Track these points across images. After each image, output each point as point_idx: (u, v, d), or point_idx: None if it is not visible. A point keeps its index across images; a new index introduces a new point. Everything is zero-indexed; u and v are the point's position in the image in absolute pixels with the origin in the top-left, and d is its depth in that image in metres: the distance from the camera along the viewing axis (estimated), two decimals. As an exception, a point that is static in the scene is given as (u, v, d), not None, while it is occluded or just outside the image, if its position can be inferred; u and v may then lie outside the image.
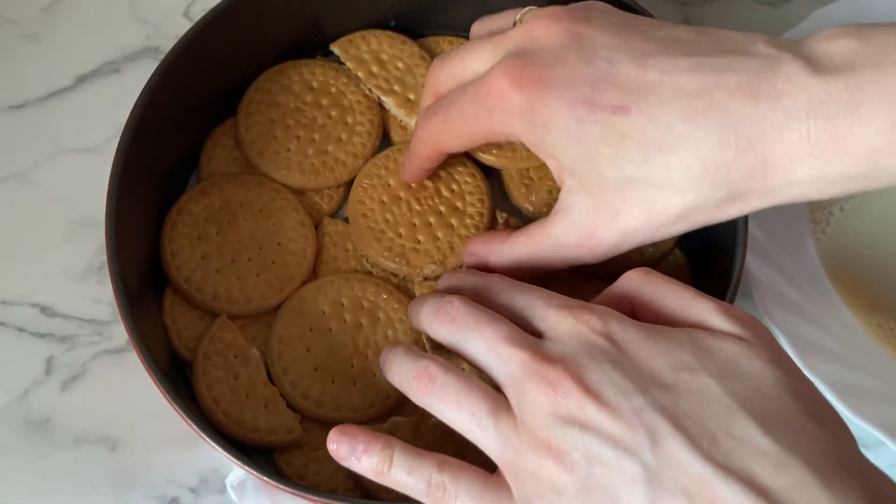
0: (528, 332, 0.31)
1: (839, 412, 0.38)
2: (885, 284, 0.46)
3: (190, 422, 0.35)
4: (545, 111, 0.33)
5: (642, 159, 0.32)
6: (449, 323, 0.32)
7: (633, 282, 0.33)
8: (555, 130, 0.33)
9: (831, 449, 0.26)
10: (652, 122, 0.32)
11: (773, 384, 0.28)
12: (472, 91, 0.36)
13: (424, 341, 0.39)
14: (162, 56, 0.41)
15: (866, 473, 0.26)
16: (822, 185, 0.31)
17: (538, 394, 0.28)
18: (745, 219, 0.39)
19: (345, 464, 0.33)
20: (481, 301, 0.33)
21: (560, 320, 0.30)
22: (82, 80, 0.51)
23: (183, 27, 0.42)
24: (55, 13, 0.52)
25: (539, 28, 0.34)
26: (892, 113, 0.29)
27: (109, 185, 0.39)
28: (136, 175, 0.40)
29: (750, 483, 0.25)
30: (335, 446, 0.33)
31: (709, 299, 0.31)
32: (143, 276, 0.41)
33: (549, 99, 0.33)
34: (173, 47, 0.41)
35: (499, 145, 0.44)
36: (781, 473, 0.25)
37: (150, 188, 0.42)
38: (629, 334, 0.29)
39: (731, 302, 0.37)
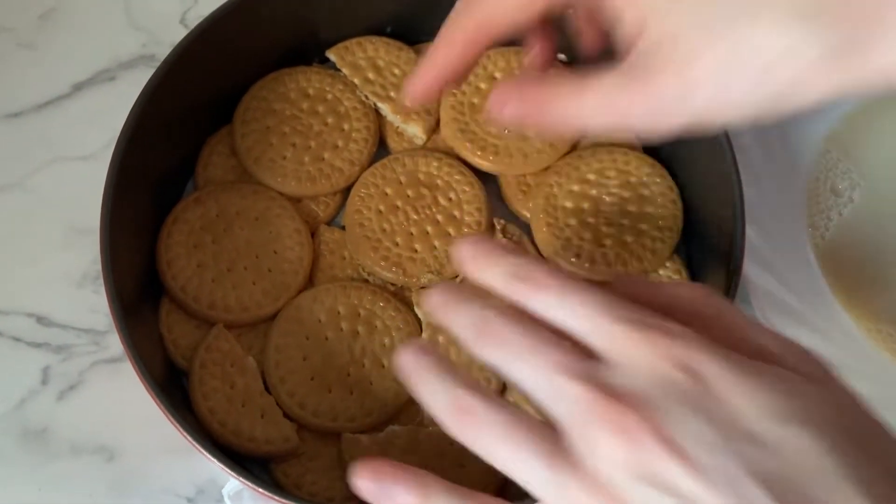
0: (580, 347, 0.26)
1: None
2: (884, 290, 0.46)
3: (184, 433, 0.35)
4: None
5: None
6: (492, 345, 0.26)
7: (698, 292, 0.27)
8: None
9: None
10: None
11: (866, 431, 0.25)
12: None
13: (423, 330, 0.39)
14: (158, 64, 0.41)
15: None
16: None
17: (610, 444, 0.23)
18: (743, 225, 0.38)
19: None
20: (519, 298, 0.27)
21: (629, 344, 0.24)
22: (79, 87, 0.50)
23: (179, 35, 0.42)
24: (51, 21, 0.52)
25: None
26: None
27: (104, 193, 0.38)
28: (132, 183, 0.40)
29: None
30: (361, 483, 0.27)
31: (772, 331, 0.27)
32: (139, 286, 0.41)
33: None
34: (169, 54, 0.41)
35: (496, 151, 0.44)
36: None
37: (145, 196, 0.42)
38: (716, 369, 0.24)
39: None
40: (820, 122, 0.48)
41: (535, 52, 0.36)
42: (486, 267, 0.28)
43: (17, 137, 0.49)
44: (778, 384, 0.24)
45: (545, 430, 0.25)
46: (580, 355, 0.25)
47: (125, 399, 0.43)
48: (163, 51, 0.51)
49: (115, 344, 0.45)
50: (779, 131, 0.47)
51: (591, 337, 0.25)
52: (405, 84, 0.35)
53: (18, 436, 0.43)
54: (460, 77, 0.33)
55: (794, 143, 0.47)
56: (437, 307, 0.28)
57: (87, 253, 0.46)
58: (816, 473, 0.23)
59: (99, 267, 0.44)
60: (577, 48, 0.35)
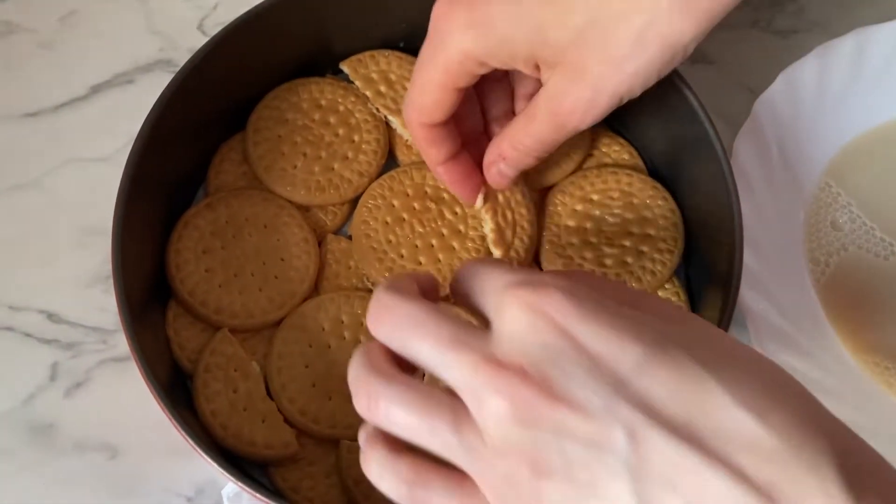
0: (482, 318, 0.28)
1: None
2: (883, 323, 0.46)
3: (185, 435, 0.35)
4: (483, 6, 0.34)
5: (583, 5, 0.33)
6: (386, 326, 0.28)
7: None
8: (499, 21, 0.34)
9: (804, 415, 0.26)
10: None
11: (735, 352, 0.27)
12: (425, 42, 0.36)
13: None
14: (175, 69, 0.42)
15: (835, 434, 0.26)
16: None
17: (499, 404, 0.26)
18: (741, 252, 0.39)
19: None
20: (432, 287, 0.31)
21: (510, 310, 0.27)
22: (96, 90, 0.51)
23: (197, 40, 0.43)
24: (71, 23, 0.53)
25: None
26: None
27: (118, 196, 0.39)
28: (145, 186, 0.40)
29: (730, 465, 0.24)
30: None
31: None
32: (148, 288, 0.41)
33: (480, 2, 0.34)
34: (187, 62, 0.42)
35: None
36: (759, 453, 0.25)
37: (157, 200, 0.43)
38: (584, 316, 0.26)
39: (727, 330, 0.38)
40: (820, 154, 0.49)
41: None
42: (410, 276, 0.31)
43: (34, 137, 0.50)
44: (641, 316, 0.27)
45: (451, 402, 0.27)
46: (465, 325, 0.27)
47: (130, 398, 0.43)
48: (180, 56, 0.52)
49: (122, 343, 0.45)
50: (780, 161, 0.48)
51: (487, 306, 0.28)
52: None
53: (25, 431, 0.44)
54: (454, 150, 0.39)
55: (795, 173, 0.48)
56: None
57: (98, 253, 0.47)
58: (692, 390, 0.25)
59: (109, 267, 0.45)
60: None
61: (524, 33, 0.34)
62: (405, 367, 0.28)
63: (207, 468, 0.42)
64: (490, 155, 0.39)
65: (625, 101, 0.35)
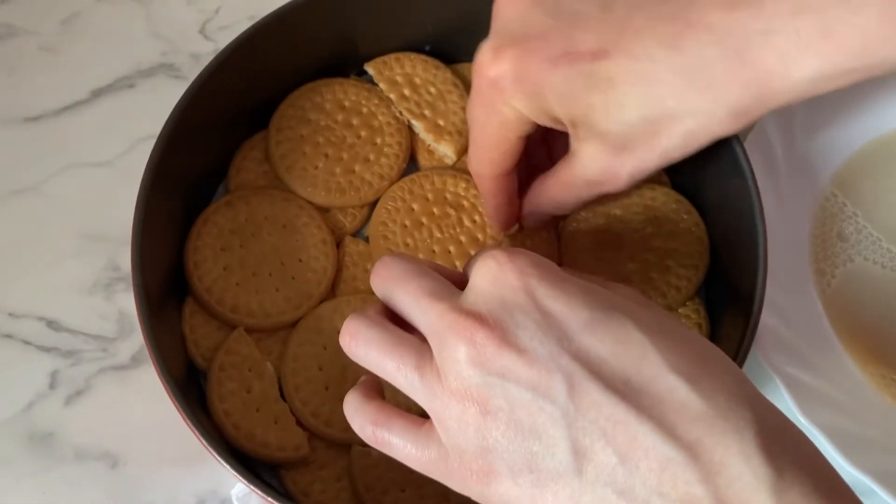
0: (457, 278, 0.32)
1: (836, 462, 0.39)
2: (890, 336, 0.45)
3: (197, 433, 0.35)
4: (533, 76, 0.34)
5: (634, 100, 0.34)
6: (380, 277, 0.32)
7: None
8: (548, 92, 0.35)
9: (732, 386, 0.28)
10: (633, 57, 0.33)
11: (679, 332, 0.29)
12: (472, 96, 0.38)
13: None
14: (177, 73, 0.42)
15: (760, 408, 0.28)
16: (822, 84, 0.32)
17: (456, 345, 0.29)
18: (765, 269, 0.39)
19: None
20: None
21: (482, 267, 0.30)
22: (98, 94, 0.51)
23: (199, 44, 0.43)
24: (73, 26, 0.52)
25: (500, 4, 0.36)
26: (882, 1, 0.29)
27: (140, 189, 0.39)
28: (166, 182, 0.40)
29: (660, 421, 0.27)
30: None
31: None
32: (165, 284, 0.41)
33: (532, 63, 0.34)
34: (211, 61, 0.42)
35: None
36: (687, 414, 0.27)
37: (177, 196, 0.43)
38: (544, 277, 0.29)
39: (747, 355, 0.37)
40: (826, 164, 0.48)
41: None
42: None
43: (35, 141, 0.50)
44: (599, 288, 0.30)
45: (418, 345, 0.31)
46: (444, 283, 0.31)
47: (131, 407, 0.43)
48: (182, 60, 0.51)
49: (123, 351, 0.45)
50: (786, 170, 0.47)
51: (467, 269, 0.31)
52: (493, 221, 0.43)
53: (25, 439, 0.43)
54: (515, 205, 0.42)
55: (801, 183, 0.48)
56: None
57: (100, 259, 0.47)
58: (632, 352, 0.28)
59: (111, 274, 0.45)
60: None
61: (569, 107, 0.35)
62: (403, 327, 0.32)
63: (208, 478, 0.42)
64: (528, 206, 0.42)
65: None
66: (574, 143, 0.37)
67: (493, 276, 0.29)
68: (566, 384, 0.27)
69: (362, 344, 0.31)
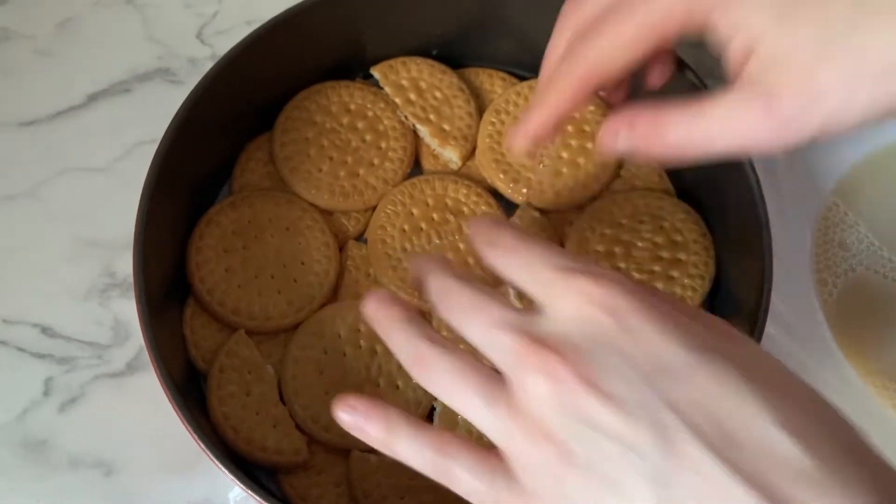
0: (529, 299, 0.29)
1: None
2: (891, 346, 0.45)
3: (195, 435, 0.35)
4: None
5: (849, 5, 0.28)
6: (445, 310, 0.29)
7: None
8: None
9: (844, 444, 0.25)
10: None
11: (777, 373, 0.26)
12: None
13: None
14: (173, 77, 0.41)
15: (876, 467, 0.25)
16: None
17: (535, 384, 0.26)
18: (770, 280, 0.38)
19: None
20: (479, 262, 0.31)
21: (559, 292, 0.27)
22: (93, 98, 0.50)
23: (195, 49, 0.42)
24: (69, 30, 0.52)
25: None
26: None
27: (143, 189, 0.39)
28: (170, 183, 0.40)
29: (763, 486, 0.24)
30: (341, 415, 0.30)
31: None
32: (166, 284, 0.41)
33: None
34: (219, 60, 0.41)
35: (528, 184, 0.44)
36: (795, 475, 0.24)
37: (181, 197, 0.42)
38: (637, 312, 0.26)
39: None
40: (828, 174, 0.48)
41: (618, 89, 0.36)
42: (476, 241, 0.31)
43: (30, 146, 0.49)
44: (693, 324, 0.26)
45: (492, 377, 0.28)
46: (516, 309, 0.28)
47: (126, 414, 0.43)
48: (178, 64, 0.51)
49: (117, 358, 0.45)
50: (788, 180, 0.47)
51: (528, 286, 0.28)
52: (513, 131, 0.36)
53: (19, 447, 0.43)
54: (566, 122, 0.34)
55: (802, 193, 0.47)
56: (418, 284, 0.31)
57: (95, 265, 0.46)
58: (733, 402, 0.25)
59: (106, 280, 0.44)
60: (641, 82, 0.36)
61: (768, 11, 0.29)
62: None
63: (202, 486, 0.42)
64: (622, 122, 0.33)
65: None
66: (746, 71, 0.30)
67: (577, 304, 0.26)
68: (657, 436, 0.24)
69: (434, 373, 0.28)
